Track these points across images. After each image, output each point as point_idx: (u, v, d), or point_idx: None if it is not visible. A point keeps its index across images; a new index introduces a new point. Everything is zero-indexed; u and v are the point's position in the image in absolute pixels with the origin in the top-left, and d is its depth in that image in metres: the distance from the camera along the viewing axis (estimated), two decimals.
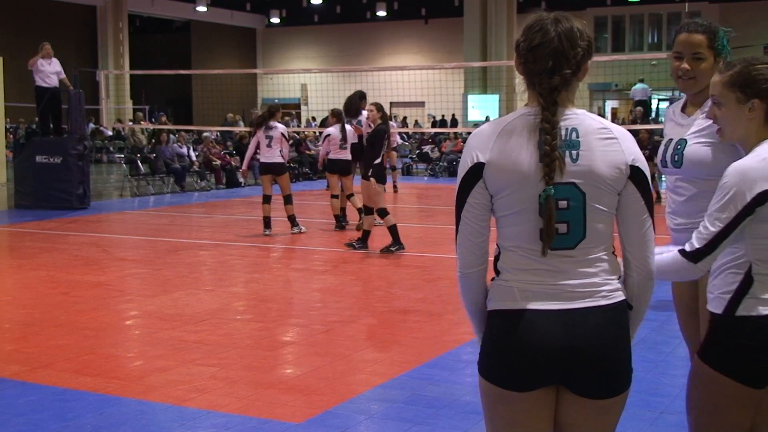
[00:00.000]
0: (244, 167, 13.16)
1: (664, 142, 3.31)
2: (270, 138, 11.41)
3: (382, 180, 9.99)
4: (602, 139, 2.19)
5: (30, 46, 31.04)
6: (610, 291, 2.23)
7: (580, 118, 2.20)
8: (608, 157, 2.18)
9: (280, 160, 11.49)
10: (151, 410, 4.71)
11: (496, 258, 2.27)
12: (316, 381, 5.20)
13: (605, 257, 2.24)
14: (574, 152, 2.16)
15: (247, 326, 6.63)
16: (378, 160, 9.89)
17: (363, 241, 10.21)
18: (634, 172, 2.21)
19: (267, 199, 11.53)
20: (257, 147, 11.65)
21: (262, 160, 11.60)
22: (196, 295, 7.80)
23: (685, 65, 3.17)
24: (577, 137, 2.17)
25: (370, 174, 9.93)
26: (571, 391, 2.24)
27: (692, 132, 3.17)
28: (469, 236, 2.25)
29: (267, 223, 11.58)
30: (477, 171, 2.19)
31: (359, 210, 11.07)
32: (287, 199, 11.56)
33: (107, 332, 6.53)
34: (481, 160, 2.18)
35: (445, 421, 4.52)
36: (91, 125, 27.13)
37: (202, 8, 36.81)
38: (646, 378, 5.12)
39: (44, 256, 9.96)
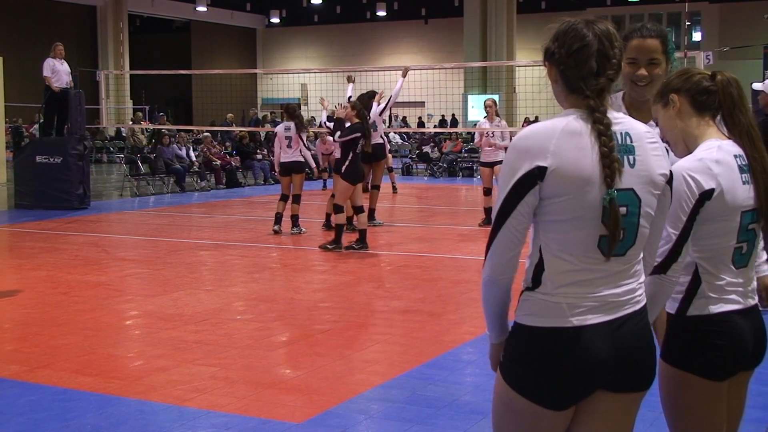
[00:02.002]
0: (277, 170, 12.98)
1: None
2: (289, 138, 11.50)
3: (352, 179, 10.09)
4: (651, 143, 2.20)
5: (30, 47, 31.20)
6: (641, 295, 2.24)
7: (629, 122, 2.19)
8: (659, 163, 2.20)
9: (299, 158, 11.62)
10: (151, 410, 4.71)
11: (538, 266, 2.18)
12: (316, 381, 5.20)
13: (640, 262, 2.25)
14: (630, 157, 2.15)
15: (247, 326, 6.63)
16: (356, 158, 10.09)
17: (361, 240, 10.23)
18: (671, 176, 2.26)
19: (284, 198, 11.68)
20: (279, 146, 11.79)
21: (282, 159, 11.69)
22: (196, 295, 7.80)
23: (643, 71, 3.09)
24: (631, 142, 2.16)
25: (343, 172, 10.14)
26: (609, 390, 2.22)
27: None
28: (509, 244, 2.15)
29: (278, 219, 11.70)
30: (536, 176, 2.10)
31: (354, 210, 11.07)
32: (296, 199, 11.65)
33: (107, 332, 6.53)
34: (542, 164, 2.09)
35: (445, 421, 4.52)
36: (125, 128, 27.04)
37: (202, 8, 36.78)
38: None
39: (44, 256, 9.96)
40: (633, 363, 2.20)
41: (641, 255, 2.25)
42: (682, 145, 2.70)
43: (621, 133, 2.15)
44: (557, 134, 2.11)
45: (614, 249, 2.12)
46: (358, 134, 10.09)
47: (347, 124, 10.21)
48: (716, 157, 2.57)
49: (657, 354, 2.32)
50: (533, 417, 2.20)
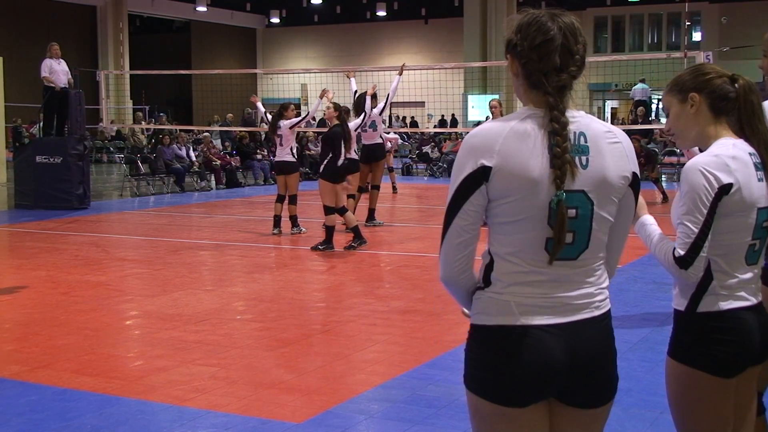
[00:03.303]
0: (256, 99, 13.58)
1: None
2: (280, 137, 11.49)
3: (334, 179, 10.11)
4: (610, 144, 2.12)
5: (30, 47, 31.19)
6: (601, 301, 2.17)
7: (586, 122, 2.12)
8: (617, 165, 2.11)
9: (289, 159, 11.56)
10: (151, 410, 4.71)
11: (488, 267, 2.14)
12: (316, 381, 5.20)
13: (600, 267, 2.18)
14: (583, 158, 2.07)
15: (247, 326, 6.63)
16: (339, 161, 10.08)
17: (358, 237, 10.26)
18: (635, 180, 2.18)
19: (280, 199, 11.64)
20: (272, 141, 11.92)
21: (275, 159, 11.68)
22: (196, 295, 7.80)
23: (764, 62, 3.14)
24: (585, 142, 2.08)
25: (321, 173, 10.18)
26: (566, 403, 2.18)
27: None
28: (457, 244, 2.12)
29: (277, 222, 11.67)
30: (481, 175, 2.05)
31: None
32: (292, 199, 11.63)
33: (107, 332, 6.53)
34: (487, 163, 2.04)
35: (445, 421, 4.52)
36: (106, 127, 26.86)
37: (202, 8, 36.80)
38: (646, 378, 5.12)
39: (44, 256, 9.96)
40: (591, 372, 2.14)
41: (601, 259, 2.18)
42: (690, 141, 2.73)
43: (575, 133, 2.08)
44: (505, 133, 2.05)
45: (559, 252, 2.07)
46: (339, 139, 10.16)
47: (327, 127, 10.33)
48: (732, 153, 2.59)
49: (616, 365, 2.24)
50: (501, 419, 2.14)
